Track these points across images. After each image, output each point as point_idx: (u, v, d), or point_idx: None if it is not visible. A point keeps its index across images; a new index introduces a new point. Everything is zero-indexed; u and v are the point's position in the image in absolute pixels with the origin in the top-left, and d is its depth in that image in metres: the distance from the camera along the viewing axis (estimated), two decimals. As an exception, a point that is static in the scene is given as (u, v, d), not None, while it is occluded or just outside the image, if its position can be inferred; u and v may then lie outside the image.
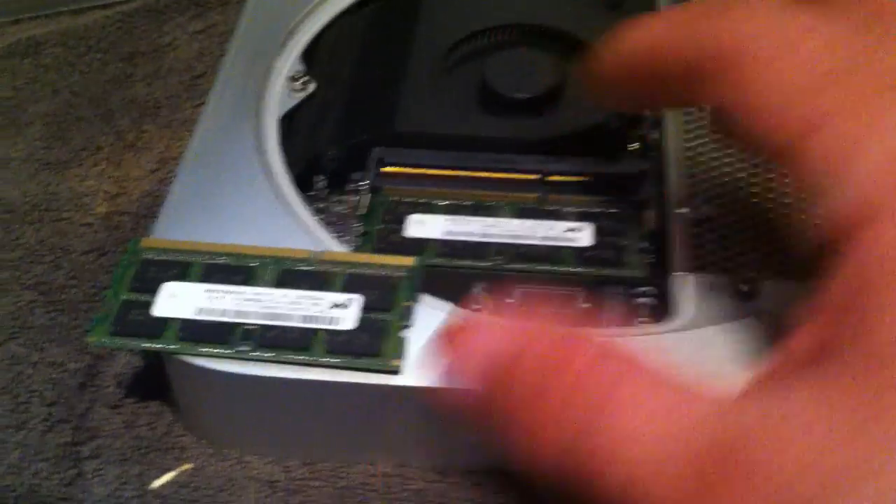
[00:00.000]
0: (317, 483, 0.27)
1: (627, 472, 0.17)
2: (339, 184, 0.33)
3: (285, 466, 0.28)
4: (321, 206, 0.32)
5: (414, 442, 0.27)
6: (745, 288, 0.27)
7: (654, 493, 0.17)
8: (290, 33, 0.37)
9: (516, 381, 0.19)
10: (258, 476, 0.28)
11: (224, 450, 0.28)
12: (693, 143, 0.31)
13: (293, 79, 0.35)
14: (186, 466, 0.28)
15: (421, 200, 0.32)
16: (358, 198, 0.32)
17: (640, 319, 0.28)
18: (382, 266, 0.28)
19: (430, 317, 0.27)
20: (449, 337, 0.20)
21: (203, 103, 0.34)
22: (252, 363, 0.26)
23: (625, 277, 0.29)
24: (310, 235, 0.29)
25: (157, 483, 0.28)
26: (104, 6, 0.45)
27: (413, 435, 0.27)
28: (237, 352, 0.26)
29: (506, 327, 0.20)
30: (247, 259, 0.28)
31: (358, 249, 0.30)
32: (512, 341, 0.19)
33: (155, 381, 0.30)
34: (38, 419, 0.29)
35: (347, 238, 0.31)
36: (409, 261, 0.28)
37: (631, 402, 0.18)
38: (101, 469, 0.28)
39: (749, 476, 0.16)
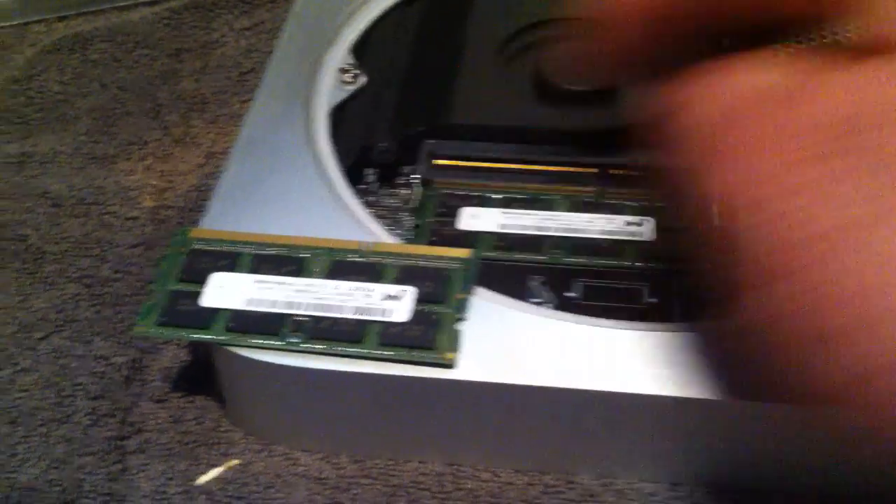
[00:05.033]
0: (367, 481, 0.26)
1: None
2: (389, 177, 0.32)
3: (335, 463, 0.27)
4: (371, 198, 0.31)
5: (467, 439, 0.26)
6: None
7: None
8: (341, 26, 0.36)
9: None
10: (307, 473, 0.27)
11: (272, 445, 0.27)
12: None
13: (343, 71, 0.34)
14: (233, 462, 0.27)
15: (474, 193, 0.31)
16: (409, 191, 0.31)
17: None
18: (437, 258, 0.27)
19: (484, 310, 0.26)
20: None
21: (250, 99, 0.33)
22: (303, 355, 0.25)
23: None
24: (361, 227, 0.28)
25: (203, 479, 0.27)
26: (151, 3, 0.45)
27: (467, 431, 0.26)
28: (288, 343, 0.25)
29: None
30: (297, 250, 0.27)
31: (410, 242, 0.29)
32: None
33: (201, 376, 0.29)
34: (82, 413, 0.28)
35: (398, 231, 0.30)
36: (464, 252, 0.27)
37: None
38: (146, 464, 0.27)
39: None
